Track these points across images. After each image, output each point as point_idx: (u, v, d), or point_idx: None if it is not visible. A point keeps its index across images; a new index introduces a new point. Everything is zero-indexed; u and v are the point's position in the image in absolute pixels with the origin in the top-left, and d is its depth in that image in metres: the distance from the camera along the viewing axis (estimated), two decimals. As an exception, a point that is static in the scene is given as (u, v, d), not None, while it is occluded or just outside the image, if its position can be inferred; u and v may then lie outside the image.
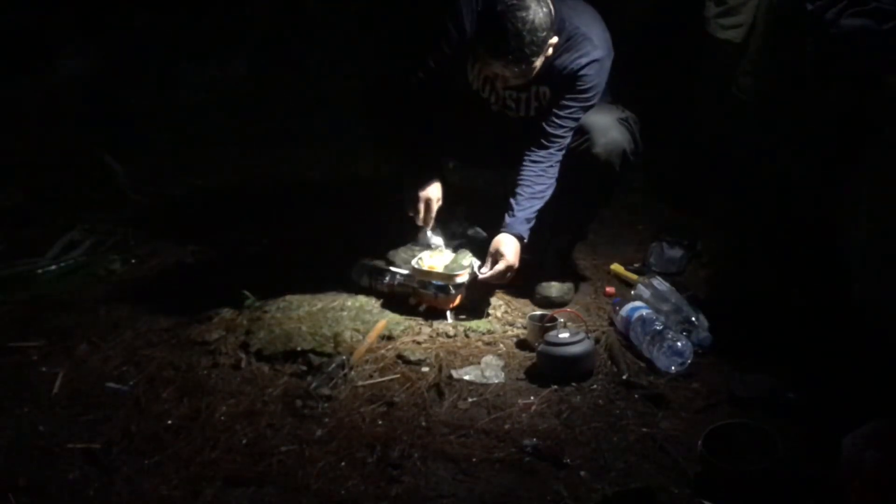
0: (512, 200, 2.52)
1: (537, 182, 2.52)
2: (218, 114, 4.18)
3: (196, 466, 1.98)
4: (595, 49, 2.45)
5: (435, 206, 2.61)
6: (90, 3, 4.38)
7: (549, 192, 2.54)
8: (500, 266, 2.49)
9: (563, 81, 2.49)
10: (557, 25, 2.39)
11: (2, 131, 3.86)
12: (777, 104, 2.71)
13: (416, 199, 2.60)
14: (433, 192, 2.60)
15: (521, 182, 2.53)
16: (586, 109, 2.52)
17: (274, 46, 4.52)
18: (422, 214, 2.62)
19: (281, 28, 4.55)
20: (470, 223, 2.89)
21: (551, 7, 2.35)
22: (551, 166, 2.52)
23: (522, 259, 2.54)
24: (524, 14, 2.27)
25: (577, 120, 2.52)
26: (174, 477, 1.95)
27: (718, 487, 1.85)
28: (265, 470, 1.97)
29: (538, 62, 2.37)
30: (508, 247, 2.50)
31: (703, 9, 3.01)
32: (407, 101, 2.61)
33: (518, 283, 2.61)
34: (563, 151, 2.53)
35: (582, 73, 2.46)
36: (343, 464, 1.98)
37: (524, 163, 2.53)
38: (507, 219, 2.52)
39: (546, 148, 2.52)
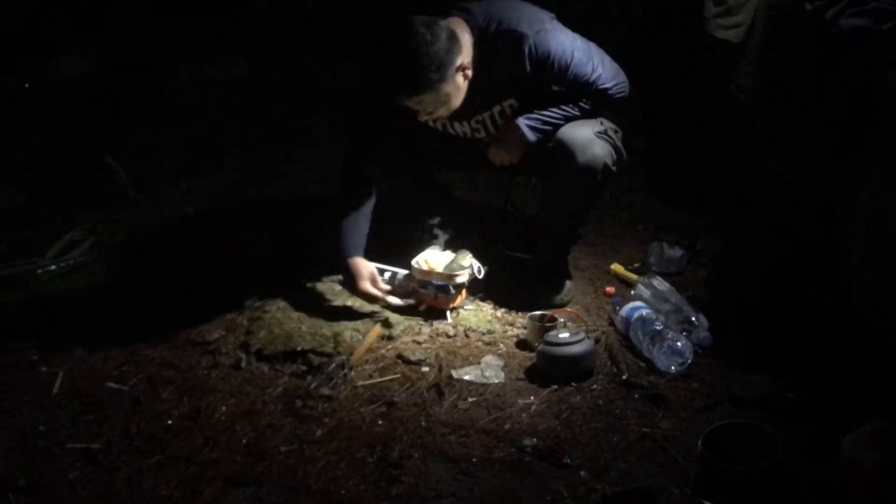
0: None
1: (550, 108, 2.49)
2: (218, 114, 4.17)
3: (196, 466, 1.98)
4: (520, 36, 2.40)
5: (372, 289, 2.53)
6: (90, 2, 4.38)
7: (562, 115, 2.48)
8: (502, 143, 2.51)
9: (524, 84, 2.47)
10: (462, 52, 2.36)
11: (1, 130, 3.86)
12: (776, 104, 2.71)
13: (362, 294, 2.55)
14: (363, 280, 2.53)
15: None
16: (582, 64, 2.45)
17: (274, 46, 4.52)
18: (380, 302, 2.57)
19: (281, 28, 4.55)
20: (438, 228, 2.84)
21: (443, 27, 2.31)
22: (569, 107, 2.49)
23: (521, 257, 2.53)
24: (409, 43, 2.26)
25: (586, 74, 2.45)
26: (174, 477, 1.95)
27: (718, 487, 1.85)
28: (265, 470, 1.97)
29: (447, 87, 2.34)
30: (510, 129, 2.48)
31: (703, 9, 3.01)
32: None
33: (513, 160, 2.55)
34: (599, 89, 2.48)
35: (529, 62, 2.41)
36: (343, 464, 1.98)
37: None
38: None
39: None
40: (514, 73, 2.44)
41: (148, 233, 3.21)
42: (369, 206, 2.58)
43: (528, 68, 2.42)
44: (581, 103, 2.49)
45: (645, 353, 2.35)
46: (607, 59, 2.51)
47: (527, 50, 2.40)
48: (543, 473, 1.94)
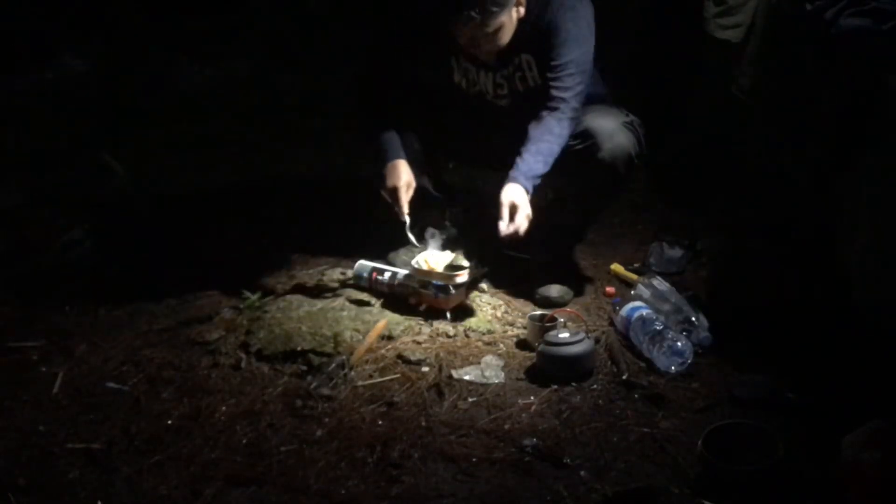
0: (517, 158, 2.46)
1: (542, 139, 2.45)
2: (218, 114, 4.18)
3: (196, 466, 1.98)
4: None
5: (403, 193, 2.56)
6: (90, 3, 4.38)
7: (555, 153, 2.46)
8: (520, 218, 2.40)
9: (543, 40, 2.47)
10: None
11: (2, 130, 3.86)
12: (776, 104, 2.71)
13: (385, 190, 2.57)
14: (397, 180, 2.56)
15: (527, 140, 2.47)
16: (579, 64, 2.46)
17: (274, 46, 4.52)
18: (397, 206, 2.57)
19: (281, 28, 4.55)
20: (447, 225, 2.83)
21: None
22: (557, 126, 2.45)
23: (521, 258, 2.54)
24: None
25: (572, 75, 2.45)
26: (174, 477, 1.95)
27: (718, 487, 1.85)
28: (265, 470, 1.97)
29: (503, 17, 2.36)
30: (520, 196, 2.42)
31: (703, 9, 3.01)
32: (373, 96, 2.63)
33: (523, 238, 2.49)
34: (570, 115, 2.47)
35: (558, 25, 2.44)
36: (343, 464, 1.98)
37: (531, 123, 2.48)
38: (512, 172, 2.45)
39: (551, 109, 2.47)
40: (534, 25, 2.45)
41: (147, 233, 3.20)
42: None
43: (544, 26, 2.44)
44: (556, 128, 2.45)
45: (645, 353, 2.35)
46: (584, 91, 2.50)
47: (552, 6, 2.43)
48: (543, 473, 1.94)
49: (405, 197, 2.58)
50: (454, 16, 2.33)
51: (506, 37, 2.42)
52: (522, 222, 2.41)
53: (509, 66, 2.56)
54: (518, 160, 2.46)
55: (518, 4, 2.40)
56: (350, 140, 3.70)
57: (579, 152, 2.51)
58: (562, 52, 2.45)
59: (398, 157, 2.59)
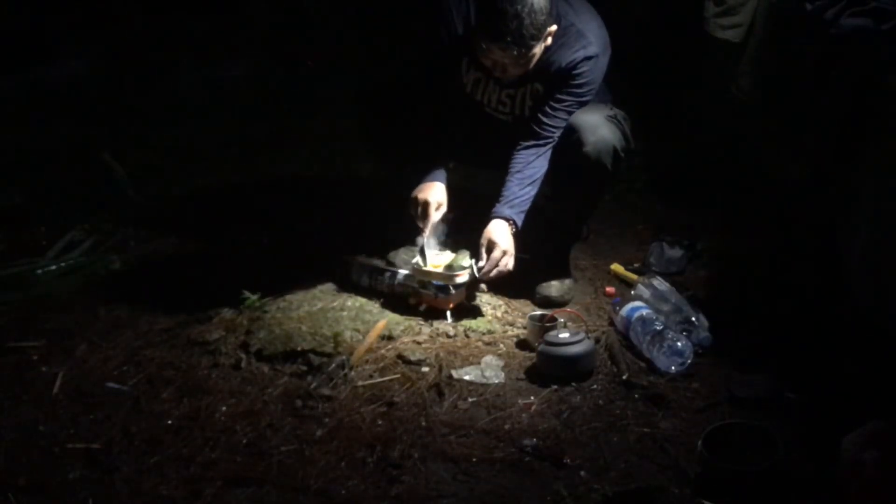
0: (502, 187, 2.54)
1: (528, 167, 2.53)
2: (218, 114, 4.18)
3: (196, 466, 1.98)
4: (590, 45, 2.47)
5: (433, 210, 2.57)
6: (90, 3, 4.38)
7: (540, 180, 2.55)
8: (496, 254, 2.48)
9: (557, 78, 2.51)
10: (554, 19, 2.41)
11: (2, 131, 3.86)
12: (776, 104, 2.71)
13: (415, 202, 2.58)
14: (432, 196, 2.57)
15: (511, 168, 2.55)
16: (581, 104, 2.54)
17: (274, 46, 4.52)
18: (419, 218, 2.58)
19: (281, 28, 4.55)
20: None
21: None
22: (541, 155, 2.54)
23: (520, 258, 2.54)
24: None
25: (570, 113, 2.53)
26: (174, 477, 1.95)
27: (718, 487, 1.85)
28: (265, 470, 1.97)
29: (537, 49, 2.38)
30: (499, 233, 2.50)
31: (703, 9, 3.01)
32: (409, 104, 2.63)
33: (514, 270, 2.56)
34: (553, 143, 2.55)
35: (577, 69, 2.49)
36: (343, 464, 1.98)
37: (515, 150, 2.55)
38: (497, 205, 2.54)
39: (537, 136, 2.54)
40: (559, 67, 2.49)
41: (147, 233, 3.20)
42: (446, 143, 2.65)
43: (564, 65, 2.48)
44: (541, 160, 2.54)
45: (645, 353, 2.35)
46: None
47: (577, 48, 2.46)
48: (543, 473, 1.94)
49: (431, 216, 2.58)
50: (492, 42, 2.34)
51: (531, 64, 2.44)
52: (501, 260, 2.49)
53: (519, 89, 2.58)
54: (503, 189, 2.53)
55: (548, 35, 2.41)
56: (349, 140, 3.71)
57: (564, 148, 2.53)
58: (571, 94, 2.52)
59: (439, 180, 2.60)
